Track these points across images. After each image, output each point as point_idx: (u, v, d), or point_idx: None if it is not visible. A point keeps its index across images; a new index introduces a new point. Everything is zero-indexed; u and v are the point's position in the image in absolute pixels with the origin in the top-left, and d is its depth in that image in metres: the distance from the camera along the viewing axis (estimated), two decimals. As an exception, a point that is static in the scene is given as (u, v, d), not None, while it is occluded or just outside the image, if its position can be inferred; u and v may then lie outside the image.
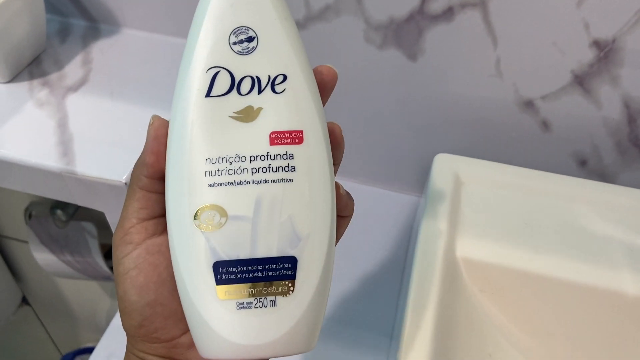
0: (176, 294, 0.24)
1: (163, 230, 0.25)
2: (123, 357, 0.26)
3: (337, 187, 0.25)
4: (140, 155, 0.25)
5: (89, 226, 0.70)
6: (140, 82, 0.48)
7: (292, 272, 0.23)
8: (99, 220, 0.69)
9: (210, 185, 0.23)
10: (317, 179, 0.24)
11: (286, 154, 0.23)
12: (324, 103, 0.25)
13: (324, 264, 0.24)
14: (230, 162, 0.23)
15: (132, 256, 0.24)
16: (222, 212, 0.23)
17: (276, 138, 0.23)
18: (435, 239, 0.39)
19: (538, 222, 0.40)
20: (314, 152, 0.24)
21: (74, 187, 0.41)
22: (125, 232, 0.24)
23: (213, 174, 0.23)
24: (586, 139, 0.45)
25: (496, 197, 0.42)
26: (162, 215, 0.24)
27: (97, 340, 0.47)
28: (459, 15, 0.41)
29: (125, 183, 0.39)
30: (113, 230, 0.45)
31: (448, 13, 0.42)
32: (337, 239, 0.27)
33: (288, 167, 0.23)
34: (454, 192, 0.42)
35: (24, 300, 0.94)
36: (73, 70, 0.49)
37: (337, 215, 0.25)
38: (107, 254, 0.72)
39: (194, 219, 0.23)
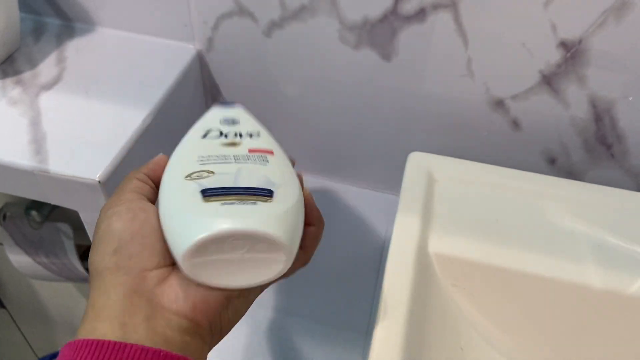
0: (157, 235, 0.26)
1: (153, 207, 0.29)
2: None
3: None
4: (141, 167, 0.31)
5: (65, 227, 0.69)
6: (115, 81, 0.48)
7: (271, 194, 0.27)
8: (74, 220, 0.68)
9: (201, 164, 0.29)
10: (287, 169, 0.30)
11: (261, 157, 0.30)
12: None
13: (296, 201, 0.28)
14: (217, 157, 0.29)
15: (128, 203, 0.27)
16: (210, 172, 0.28)
17: (253, 151, 0.31)
18: (408, 234, 0.39)
19: (508, 219, 0.41)
20: (283, 160, 0.31)
21: (47, 185, 0.40)
22: (120, 196, 0.28)
23: (204, 162, 0.29)
24: (555, 138, 0.46)
25: (468, 194, 0.42)
26: (152, 200, 0.29)
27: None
28: (431, 16, 0.42)
29: (99, 181, 0.39)
30: (88, 230, 0.45)
31: (420, 14, 0.42)
32: (309, 251, 0.31)
33: (263, 159, 0.30)
34: (427, 189, 0.42)
35: (-1, 303, 0.93)
36: (47, 68, 0.48)
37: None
38: (83, 255, 0.72)
39: (186, 178, 0.27)
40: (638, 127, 0.44)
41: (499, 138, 0.48)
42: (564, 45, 0.41)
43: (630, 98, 0.43)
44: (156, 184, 0.30)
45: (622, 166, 0.46)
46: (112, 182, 0.40)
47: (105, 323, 0.24)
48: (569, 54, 0.41)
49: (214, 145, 0.30)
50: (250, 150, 0.30)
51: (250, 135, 0.32)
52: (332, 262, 0.51)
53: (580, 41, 0.40)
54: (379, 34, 0.45)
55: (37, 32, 0.53)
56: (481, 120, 0.47)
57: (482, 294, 0.40)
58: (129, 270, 0.25)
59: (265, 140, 0.32)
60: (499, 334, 0.40)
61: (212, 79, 0.53)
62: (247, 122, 0.34)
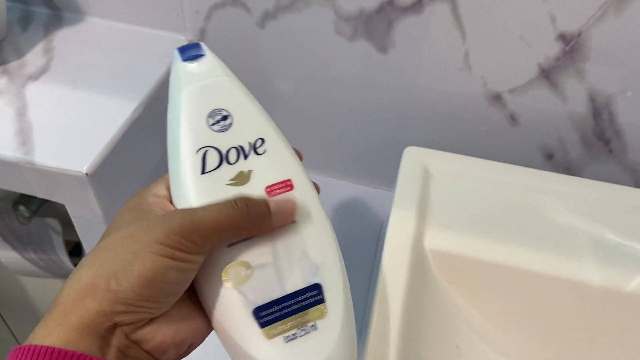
0: (176, 292, 0.24)
1: None
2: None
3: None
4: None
5: (53, 222, 0.68)
6: (104, 71, 0.46)
7: (321, 297, 0.26)
8: (63, 216, 0.67)
9: (228, 246, 0.25)
10: (315, 214, 0.27)
11: (279, 197, 0.27)
12: None
13: (343, 283, 0.27)
14: None
15: (158, 253, 0.23)
16: (247, 266, 0.25)
17: (271, 191, 0.27)
18: (403, 230, 0.38)
19: (505, 214, 0.40)
20: (305, 193, 0.27)
21: (33, 178, 0.39)
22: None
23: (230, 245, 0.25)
24: (552, 133, 0.46)
25: (464, 190, 0.42)
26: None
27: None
28: (428, 7, 0.41)
29: (87, 174, 0.38)
30: (76, 225, 0.44)
31: (417, 5, 0.42)
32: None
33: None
34: (422, 184, 0.42)
35: (-14, 300, 0.91)
36: (34, 58, 0.47)
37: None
38: (72, 251, 0.70)
39: (223, 278, 0.25)
40: (637, 123, 0.43)
41: (496, 133, 0.47)
42: (563, 38, 0.40)
43: (629, 93, 0.42)
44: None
45: (621, 162, 0.46)
46: (100, 175, 0.39)
47: (84, 341, 0.22)
48: (568, 47, 0.40)
49: (221, 188, 0.26)
50: (268, 192, 0.27)
51: (255, 148, 0.27)
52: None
53: (579, 34, 0.40)
54: (375, 25, 0.44)
55: (25, 21, 0.52)
56: (478, 114, 0.46)
57: (478, 290, 0.39)
58: (120, 323, 0.23)
59: (272, 150, 0.28)
60: (495, 331, 0.39)
61: (204, 71, 0.52)
62: (237, 108, 0.28)
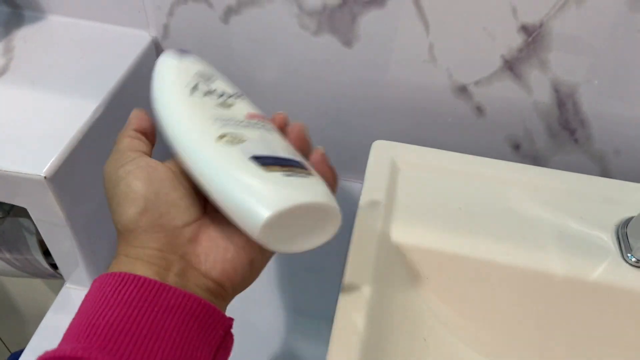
0: (179, 192, 0.27)
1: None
2: None
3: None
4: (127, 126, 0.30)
5: (27, 222, 0.67)
6: (65, 71, 0.45)
7: (304, 167, 0.27)
8: (36, 216, 0.66)
9: (220, 127, 0.27)
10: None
11: (263, 124, 0.29)
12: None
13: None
14: (231, 120, 0.27)
15: (136, 161, 0.27)
16: (241, 137, 0.26)
17: (252, 116, 0.29)
18: (370, 224, 0.38)
19: (472, 206, 0.40)
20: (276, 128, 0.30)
21: (-9, 182, 0.39)
22: (122, 156, 0.27)
23: (223, 124, 0.27)
24: (519, 124, 0.46)
25: (432, 183, 0.42)
26: (149, 154, 0.29)
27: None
28: (390, 0, 0.41)
29: (45, 177, 0.37)
30: (40, 228, 0.43)
31: (380, -2, 0.41)
32: None
33: (268, 127, 0.29)
34: (390, 178, 0.41)
35: (-35, 301, 0.90)
36: (-7, 59, 0.46)
37: None
38: (47, 251, 0.70)
39: (219, 140, 0.26)
40: (601, 112, 0.44)
41: (463, 124, 0.47)
42: (525, 29, 0.40)
43: (596, 81, 0.42)
44: (147, 138, 0.30)
45: (587, 151, 0.46)
46: (60, 178, 0.38)
47: (143, 268, 0.25)
48: (530, 38, 0.40)
49: (212, 106, 0.28)
50: (249, 116, 0.28)
51: (238, 96, 0.30)
52: (300, 252, 0.50)
53: (541, 25, 0.39)
54: (339, 19, 0.43)
55: (-16, 20, 0.50)
56: (445, 106, 0.46)
57: (445, 283, 0.39)
58: (161, 229, 0.25)
59: (250, 103, 0.30)
60: (463, 323, 0.39)
61: (170, 68, 0.52)
62: (220, 78, 0.31)
